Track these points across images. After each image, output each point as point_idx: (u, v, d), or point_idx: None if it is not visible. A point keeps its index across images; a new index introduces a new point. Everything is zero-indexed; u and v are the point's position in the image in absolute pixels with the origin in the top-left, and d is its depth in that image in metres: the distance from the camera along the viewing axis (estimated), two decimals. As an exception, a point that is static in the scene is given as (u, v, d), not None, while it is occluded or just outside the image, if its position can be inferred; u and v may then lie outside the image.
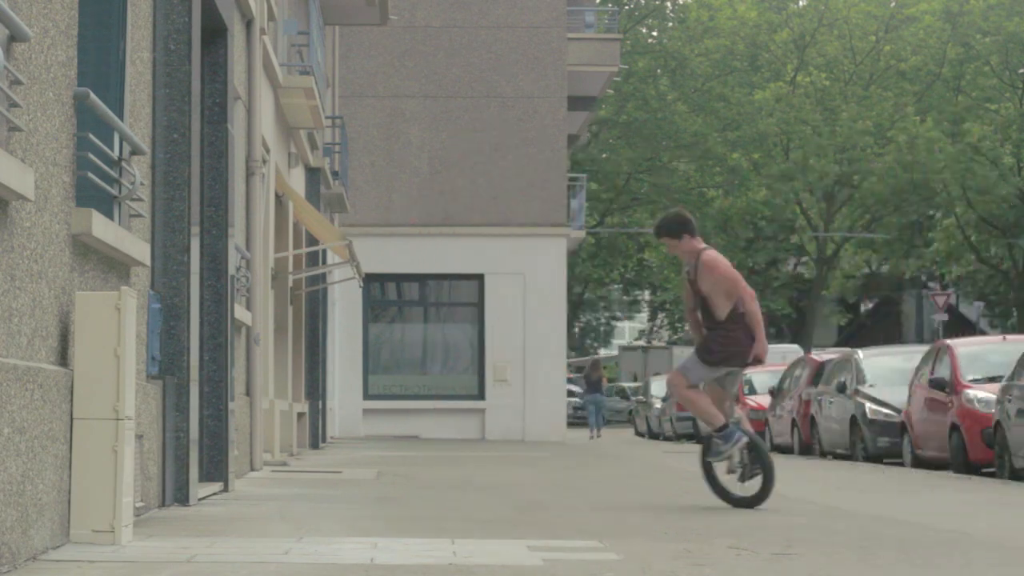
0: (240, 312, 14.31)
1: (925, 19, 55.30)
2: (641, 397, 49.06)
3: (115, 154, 8.41)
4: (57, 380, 6.93)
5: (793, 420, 27.29)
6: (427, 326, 34.36)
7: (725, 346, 11.02)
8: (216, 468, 11.93)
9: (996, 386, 18.23)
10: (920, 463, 20.58)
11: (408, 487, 13.24)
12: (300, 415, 22.87)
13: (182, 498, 10.10)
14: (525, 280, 33.14)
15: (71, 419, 7.21)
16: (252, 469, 15.24)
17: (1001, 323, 62.44)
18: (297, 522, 9.05)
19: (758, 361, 11.08)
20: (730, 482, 11.19)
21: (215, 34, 12.18)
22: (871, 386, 23.43)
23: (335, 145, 27.52)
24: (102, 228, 7.51)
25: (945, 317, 49.86)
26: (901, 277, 60.94)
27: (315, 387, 24.66)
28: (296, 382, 23.07)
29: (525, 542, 7.93)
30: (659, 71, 56.97)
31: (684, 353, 64.60)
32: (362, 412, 33.41)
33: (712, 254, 11.10)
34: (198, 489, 10.57)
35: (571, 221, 35.85)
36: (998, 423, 17.31)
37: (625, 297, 79.70)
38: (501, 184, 33.50)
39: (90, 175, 7.66)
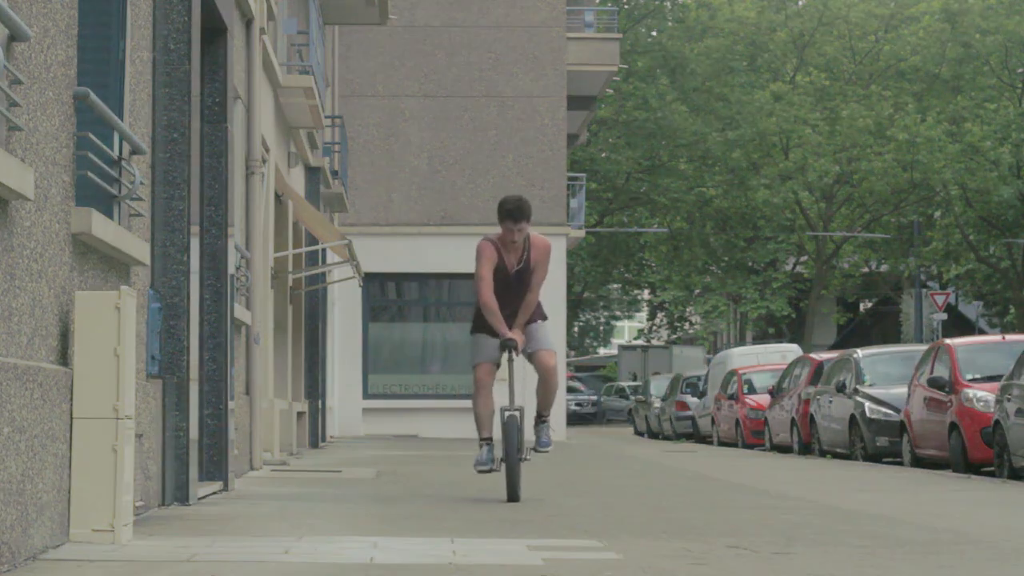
0: (240, 311, 14.31)
1: (925, 19, 55.28)
2: (640, 396, 49.10)
3: (115, 154, 8.41)
4: (57, 379, 6.94)
5: (792, 419, 27.29)
6: (427, 326, 34.37)
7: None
8: (216, 467, 11.93)
9: (995, 385, 18.24)
10: (919, 462, 20.58)
11: (408, 486, 13.24)
12: (300, 414, 22.87)
13: (182, 497, 10.11)
14: (525, 280, 33.11)
15: (71, 418, 7.21)
16: (252, 468, 15.24)
17: (999, 321, 62.44)
18: (297, 521, 9.05)
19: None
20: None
21: (215, 34, 12.18)
22: (870, 385, 23.44)
23: (335, 145, 27.53)
24: (102, 227, 7.51)
25: (944, 316, 49.86)
26: (900, 276, 60.93)
27: (315, 386, 24.66)
28: (296, 381, 23.08)
29: (525, 542, 7.93)
30: (659, 71, 56.93)
31: (684, 353, 64.73)
32: (362, 411, 33.42)
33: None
34: (198, 488, 10.58)
35: (571, 221, 35.86)
36: (997, 422, 17.31)
37: (624, 297, 79.69)
38: (501, 184, 33.49)
39: (90, 175, 7.66)
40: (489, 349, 11.32)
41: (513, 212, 11.12)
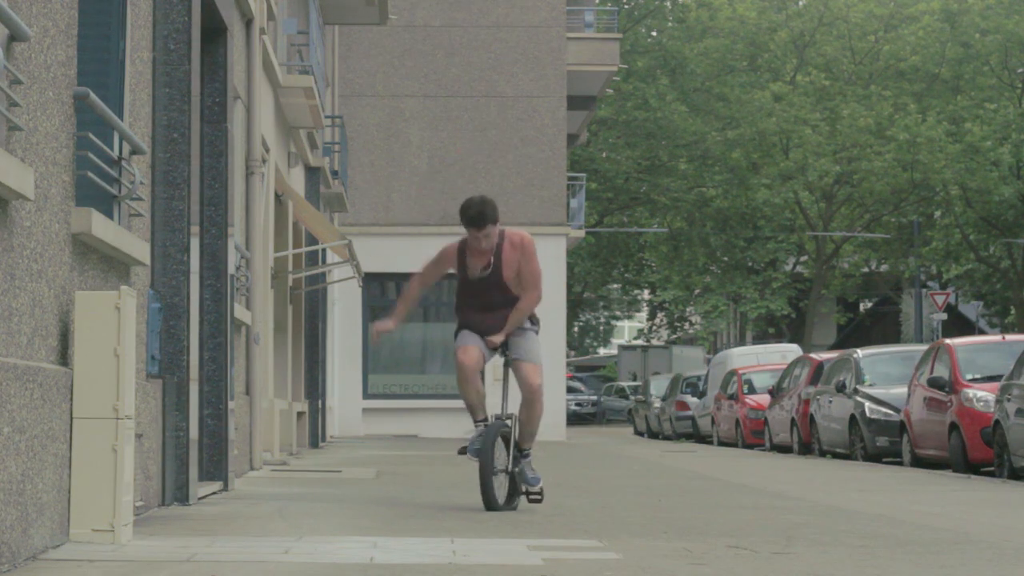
0: (240, 311, 14.31)
1: (924, 19, 55.28)
2: (640, 396, 49.10)
3: (115, 154, 8.41)
4: (57, 379, 6.93)
5: (792, 419, 27.29)
6: (427, 326, 34.36)
7: None
8: (216, 467, 11.93)
9: (995, 385, 18.25)
10: (919, 462, 20.59)
11: (408, 486, 13.24)
12: (300, 414, 22.87)
13: (182, 497, 10.11)
14: (525, 279, 33.10)
15: (71, 418, 7.21)
16: (252, 468, 15.24)
17: (999, 321, 62.43)
18: (297, 521, 9.05)
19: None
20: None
21: (215, 34, 12.18)
22: (871, 385, 23.45)
23: (335, 144, 27.53)
24: (102, 227, 7.51)
25: (944, 316, 49.85)
26: (900, 276, 60.95)
27: (315, 386, 24.66)
28: (296, 381, 23.08)
29: (525, 542, 7.93)
30: (659, 71, 56.93)
31: (684, 353, 64.72)
32: (361, 411, 33.43)
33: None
34: (198, 488, 10.58)
35: (570, 221, 35.86)
36: (997, 422, 17.32)
37: (624, 297, 79.65)
38: (501, 184, 33.50)
39: (90, 174, 7.66)
40: (470, 336, 10.20)
41: (475, 219, 9.95)
